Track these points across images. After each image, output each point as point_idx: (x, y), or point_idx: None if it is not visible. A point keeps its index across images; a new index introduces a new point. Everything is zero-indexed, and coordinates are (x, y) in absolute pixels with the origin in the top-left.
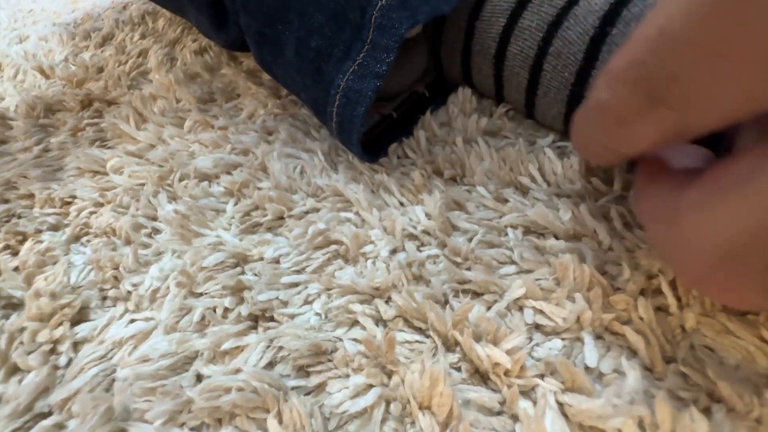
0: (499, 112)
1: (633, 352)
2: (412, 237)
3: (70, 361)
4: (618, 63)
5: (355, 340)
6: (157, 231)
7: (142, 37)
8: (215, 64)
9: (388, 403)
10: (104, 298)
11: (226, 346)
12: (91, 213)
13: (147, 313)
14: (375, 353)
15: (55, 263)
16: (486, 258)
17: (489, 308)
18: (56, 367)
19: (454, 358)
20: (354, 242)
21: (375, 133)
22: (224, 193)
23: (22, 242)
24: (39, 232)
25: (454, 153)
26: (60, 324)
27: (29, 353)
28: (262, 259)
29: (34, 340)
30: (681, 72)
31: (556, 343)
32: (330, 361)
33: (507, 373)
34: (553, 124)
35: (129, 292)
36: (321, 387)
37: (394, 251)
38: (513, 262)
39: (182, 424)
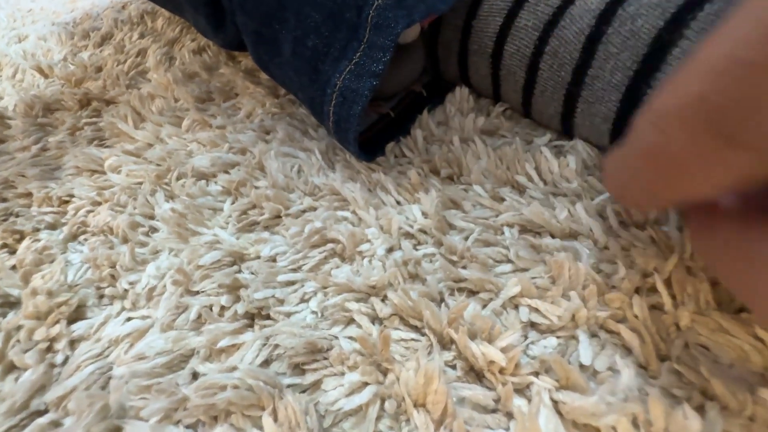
0: (496, 112)
1: (627, 350)
2: (408, 235)
3: (66, 359)
4: (669, 100)
5: (350, 338)
6: (154, 229)
7: (141, 36)
8: (213, 63)
9: (383, 401)
10: (101, 297)
11: (222, 344)
12: (89, 212)
13: (143, 312)
14: (370, 351)
15: (52, 261)
16: (482, 256)
17: (484, 306)
18: (52, 365)
19: (449, 356)
20: (350, 241)
21: (372, 133)
22: (221, 191)
23: (19, 241)
24: (36, 230)
25: (451, 152)
26: (57, 322)
27: (26, 351)
28: (258, 257)
29: (31, 338)
30: (762, 106)
31: (551, 341)
32: (326, 359)
33: (502, 370)
34: (550, 123)
35: (126, 291)
36: (316, 385)
37: (390, 250)
38: (509, 261)
39: (178, 422)
